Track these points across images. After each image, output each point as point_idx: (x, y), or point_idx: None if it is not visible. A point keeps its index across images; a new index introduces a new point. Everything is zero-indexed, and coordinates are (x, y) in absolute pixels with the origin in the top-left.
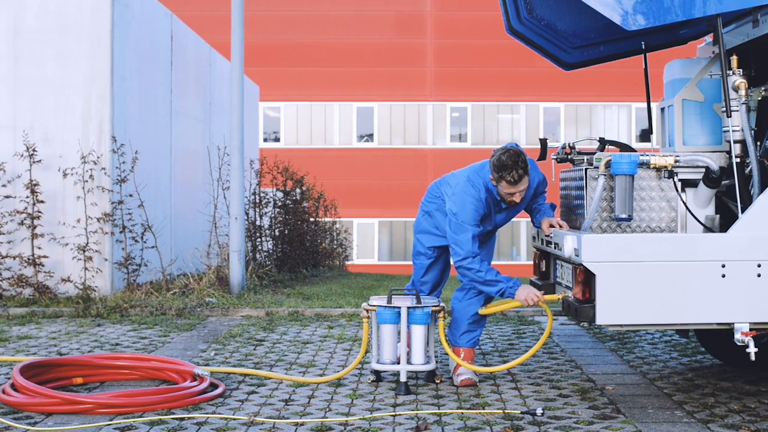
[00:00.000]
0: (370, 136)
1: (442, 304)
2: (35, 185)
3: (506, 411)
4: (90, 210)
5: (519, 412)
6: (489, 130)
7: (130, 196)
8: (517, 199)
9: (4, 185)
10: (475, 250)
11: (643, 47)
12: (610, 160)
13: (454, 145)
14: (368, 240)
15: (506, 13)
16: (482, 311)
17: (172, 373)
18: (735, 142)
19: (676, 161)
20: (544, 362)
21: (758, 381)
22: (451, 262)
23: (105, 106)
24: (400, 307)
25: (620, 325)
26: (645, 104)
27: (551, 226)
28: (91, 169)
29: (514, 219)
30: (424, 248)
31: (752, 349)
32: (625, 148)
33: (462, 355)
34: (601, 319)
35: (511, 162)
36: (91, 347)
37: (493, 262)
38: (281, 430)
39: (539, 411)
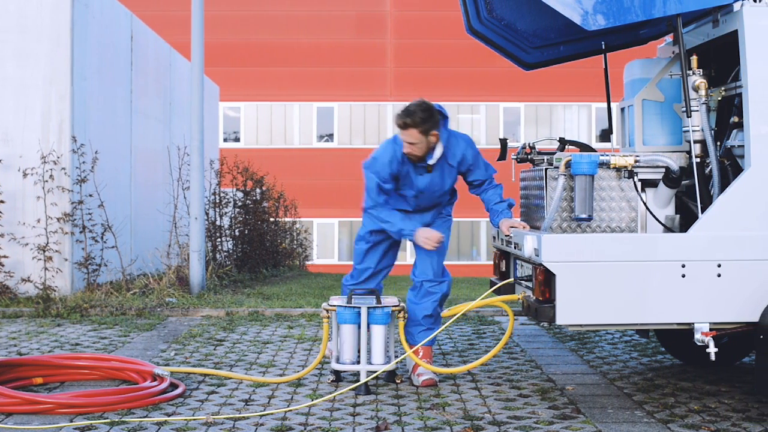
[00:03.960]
0: (330, 136)
1: (402, 304)
2: None
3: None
4: (50, 210)
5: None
6: None
7: (90, 196)
8: (406, 150)
9: None
10: (379, 201)
11: (603, 47)
12: (570, 160)
13: None
14: (328, 240)
15: (466, 13)
16: (445, 314)
17: (132, 373)
18: (695, 142)
19: (636, 161)
20: (504, 362)
21: (718, 381)
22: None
23: (65, 106)
24: (360, 307)
25: (580, 325)
26: (605, 104)
27: (512, 227)
28: (51, 169)
29: (473, 218)
30: (364, 231)
31: (712, 350)
32: (585, 148)
33: (420, 354)
34: (561, 319)
35: (406, 109)
36: (51, 347)
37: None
38: (241, 430)
39: None
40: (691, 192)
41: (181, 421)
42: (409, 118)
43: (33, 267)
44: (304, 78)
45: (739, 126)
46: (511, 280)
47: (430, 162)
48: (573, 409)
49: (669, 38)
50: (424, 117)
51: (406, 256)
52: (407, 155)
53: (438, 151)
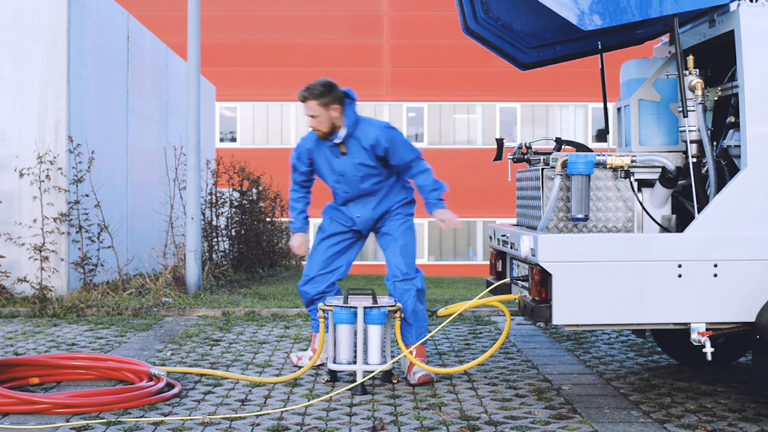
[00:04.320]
0: None
1: (399, 304)
2: None
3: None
4: (46, 210)
5: None
6: (445, 130)
7: (87, 196)
8: (310, 124)
9: None
10: (295, 179)
11: (600, 47)
12: (567, 160)
13: None
14: None
15: (463, 13)
16: (440, 313)
17: (129, 373)
18: (691, 142)
19: (632, 161)
20: (501, 362)
21: (714, 381)
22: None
23: (61, 106)
24: (356, 307)
25: (577, 325)
26: (601, 104)
27: (442, 220)
28: (47, 169)
29: (470, 219)
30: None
31: (708, 349)
32: (581, 148)
33: (414, 353)
34: (557, 319)
35: (310, 84)
36: (48, 347)
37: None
38: (238, 430)
39: None
40: (687, 192)
41: (178, 421)
42: (307, 91)
43: (29, 267)
44: (301, 78)
45: (736, 126)
46: (508, 280)
47: (336, 141)
48: (569, 409)
49: (665, 38)
50: (322, 91)
51: None
52: (314, 130)
53: (343, 131)
